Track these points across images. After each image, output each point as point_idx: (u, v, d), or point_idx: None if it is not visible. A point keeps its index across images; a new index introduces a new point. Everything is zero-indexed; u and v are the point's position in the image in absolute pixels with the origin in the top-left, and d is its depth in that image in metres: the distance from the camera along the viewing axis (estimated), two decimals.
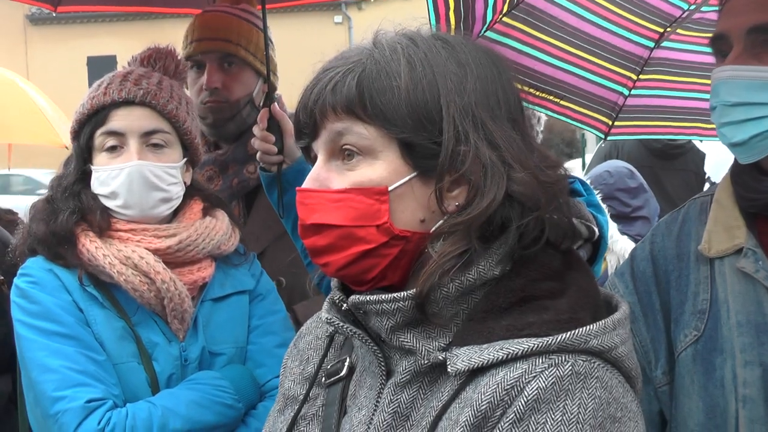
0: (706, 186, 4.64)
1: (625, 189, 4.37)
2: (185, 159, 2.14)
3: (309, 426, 1.34)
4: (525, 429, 1.10)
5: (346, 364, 1.34)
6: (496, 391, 1.13)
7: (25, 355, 1.97)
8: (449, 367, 1.17)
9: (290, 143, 2.35)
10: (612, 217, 3.29)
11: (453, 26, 1.83)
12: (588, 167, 5.59)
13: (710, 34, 2.19)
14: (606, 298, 1.29)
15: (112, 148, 2.04)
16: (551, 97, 2.47)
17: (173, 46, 2.26)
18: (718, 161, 4.24)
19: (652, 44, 2.59)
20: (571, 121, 2.70)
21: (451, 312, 1.21)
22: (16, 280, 2.05)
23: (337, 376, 1.34)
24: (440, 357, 1.19)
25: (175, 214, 2.15)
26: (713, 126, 2.69)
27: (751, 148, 1.57)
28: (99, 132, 2.05)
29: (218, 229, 2.15)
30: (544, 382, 1.11)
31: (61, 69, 21.21)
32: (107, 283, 2.03)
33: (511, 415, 1.11)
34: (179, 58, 2.23)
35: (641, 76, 2.65)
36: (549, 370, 1.12)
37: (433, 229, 1.22)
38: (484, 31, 2.16)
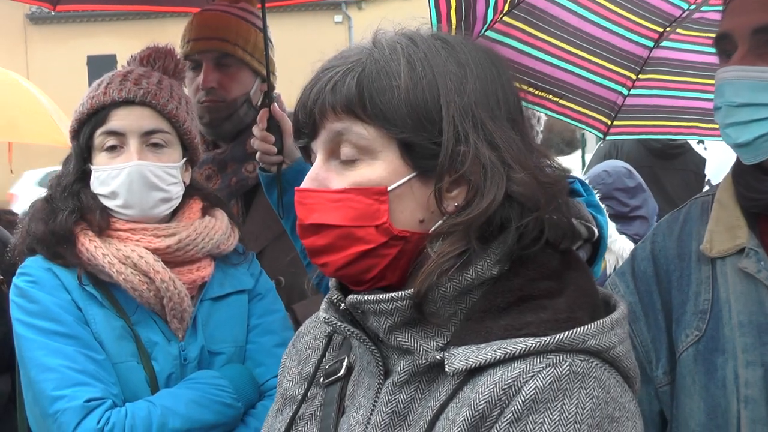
0: (706, 188, 4.64)
1: (624, 189, 4.38)
2: (185, 159, 2.14)
3: (307, 426, 1.34)
4: (522, 429, 1.10)
5: (345, 363, 1.34)
6: (493, 391, 1.13)
7: (24, 355, 1.97)
8: (447, 366, 1.17)
9: (290, 143, 2.34)
10: (610, 216, 3.30)
11: (454, 25, 1.83)
12: (587, 167, 5.58)
13: (710, 34, 2.18)
14: (604, 298, 1.29)
15: (112, 148, 2.04)
16: (551, 97, 2.47)
17: (172, 46, 2.26)
18: (719, 164, 4.24)
19: (651, 44, 2.59)
20: (571, 121, 2.70)
21: (449, 312, 1.21)
22: (15, 280, 2.05)
23: (335, 376, 1.34)
24: (438, 357, 1.19)
25: (175, 213, 2.15)
26: (712, 126, 2.71)
27: (756, 149, 1.57)
28: (99, 132, 2.05)
29: (217, 229, 2.15)
30: (541, 381, 1.11)
31: (61, 68, 21.20)
32: (106, 282, 2.03)
33: (509, 415, 1.11)
34: (178, 57, 2.23)
35: (641, 76, 2.65)
36: (547, 370, 1.12)
37: (433, 229, 1.22)
38: (485, 31, 2.16)
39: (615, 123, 2.74)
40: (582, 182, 2.32)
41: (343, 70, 1.23)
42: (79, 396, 1.89)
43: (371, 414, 1.24)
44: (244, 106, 2.70)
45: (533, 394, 1.11)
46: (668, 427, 1.71)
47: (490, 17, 2.09)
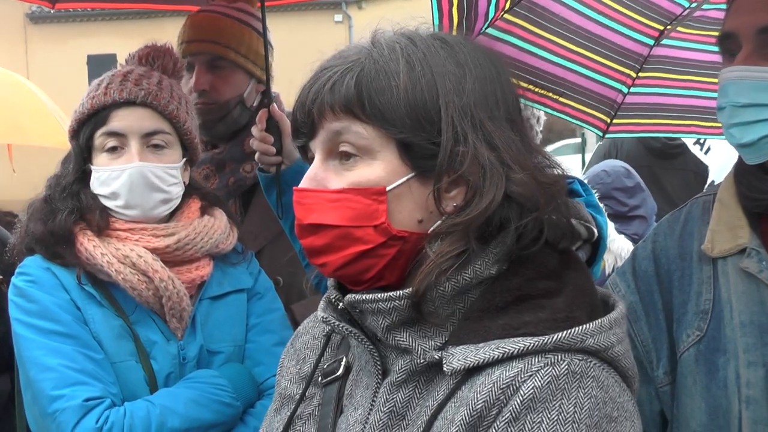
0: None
1: (622, 188, 4.38)
2: (185, 159, 2.14)
3: (305, 425, 1.34)
4: (521, 428, 1.10)
5: (343, 363, 1.34)
6: (491, 390, 1.12)
7: (23, 354, 1.97)
8: (445, 366, 1.17)
9: (289, 144, 2.34)
10: (609, 216, 3.30)
11: (456, 22, 1.83)
12: (587, 166, 5.58)
13: (711, 32, 2.18)
14: (603, 298, 1.28)
15: (113, 149, 2.04)
16: (551, 95, 2.46)
17: (171, 44, 2.25)
18: (722, 165, 4.23)
19: (652, 42, 2.59)
20: (570, 119, 2.70)
21: (447, 311, 1.21)
22: (13, 279, 2.05)
23: (333, 376, 1.34)
24: (436, 356, 1.19)
25: (173, 212, 2.15)
26: (711, 124, 2.71)
27: (759, 149, 1.57)
28: (99, 132, 2.05)
29: (216, 228, 2.15)
30: (540, 381, 1.11)
31: (62, 67, 21.19)
32: (105, 281, 2.03)
33: (507, 415, 1.11)
34: (177, 56, 2.22)
35: (640, 74, 2.65)
36: (545, 369, 1.12)
37: (431, 229, 1.22)
38: (486, 28, 2.16)
39: (614, 121, 2.74)
40: (581, 182, 2.32)
41: (342, 69, 1.23)
42: (78, 395, 1.89)
43: (369, 413, 1.24)
44: (237, 108, 2.70)
45: (531, 393, 1.10)
46: (669, 428, 1.71)
47: (491, 14, 2.08)
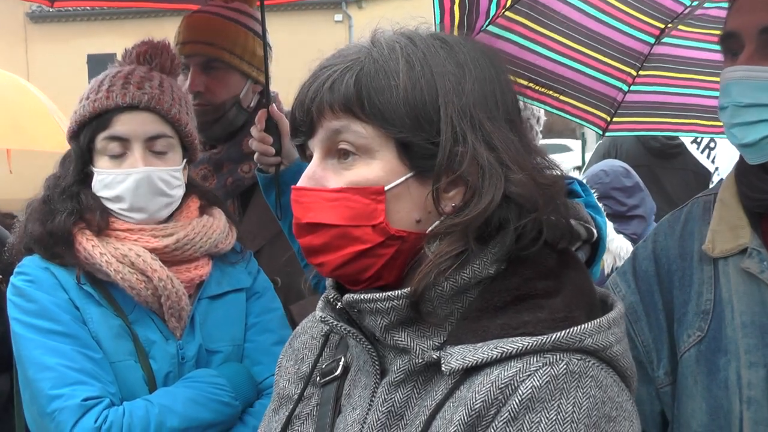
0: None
1: (621, 188, 4.38)
2: (185, 159, 2.14)
3: (303, 425, 1.34)
4: (519, 428, 1.10)
5: (341, 363, 1.34)
6: (490, 390, 1.12)
7: (22, 354, 1.97)
8: (443, 366, 1.17)
9: (288, 144, 2.34)
10: (608, 216, 3.30)
11: (457, 20, 1.83)
12: (587, 166, 5.58)
13: (712, 31, 2.17)
14: (601, 297, 1.28)
15: (116, 153, 2.03)
16: (551, 93, 2.46)
17: (168, 41, 2.24)
18: (732, 161, 4.22)
19: (652, 40, 2.59)
20: (570, 117, 2.69)
21: (445, 311, 1.20)
22: (12, 279, 2.05)
23: (331, 376, 1.34)
24: (434, 356, 1.19)
25: (173, 212, 2.14)
26: (712, 123, 2.70)
27: (761, 149, 1.56)
28: (102, 136, 2.04)
29: (215, 228, 2.15)
30: (538, 380, 1.11)
31: (62, 67, 21.21)
32: (104, 281, 2.03)
33: (506, 414, 1.11)
34: (174, 52, 2.22)
35: (641, 72, 2.64)
36: (543, 369, 1.11)
37: (429, 229, 1.22)
38: (487, 25, 2.15)
39: (614, 119, 2.74)
40: (581, 183, 2.32)
41: (342, 68, 1.22)
42: (77, 395, 1.89)
43: (367, 413, 1.24)
44: (233, 109, 2.70)
45: (530, 393, 1.10)
46: (669, 428, 1.70)
47: (492, 12, 2.08)
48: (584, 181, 2.68)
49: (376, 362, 1.26)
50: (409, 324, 1.21)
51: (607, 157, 5.13)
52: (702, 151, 4.90)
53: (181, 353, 2.06)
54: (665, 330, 1.69)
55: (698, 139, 4.85)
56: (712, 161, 4.86)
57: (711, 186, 3.24)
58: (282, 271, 2.45)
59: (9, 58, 19.94)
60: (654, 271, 1.73)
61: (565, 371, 1.11)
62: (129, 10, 21.02)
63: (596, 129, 2.77)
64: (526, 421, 1.09)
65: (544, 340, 1.13)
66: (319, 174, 1.25)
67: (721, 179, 1.75)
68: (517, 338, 1.14)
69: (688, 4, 2.51)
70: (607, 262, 3.86)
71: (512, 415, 1.10)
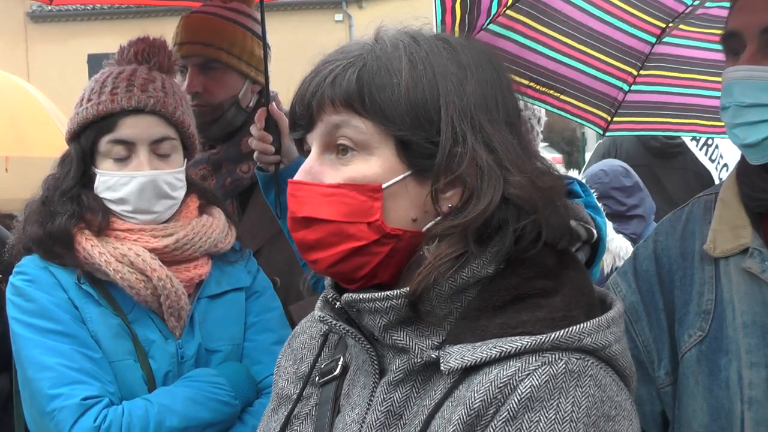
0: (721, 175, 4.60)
1: (621, 188, 4.38)
2: (186, 159, 2.14)
3: (302, 425, 1.34)
4: (518, 427, 1.10)
5: (340, 363, 1.34)
6: (489, 390, 1.12)
7: (21, 353, 1.97)
8: (442, 365, 1.17)
9: (287, 143, 2.34)
10: (607, 215, 3.30)
11: (459, 18, 1.83)
12: (586, 165, 5.58)
13: (713, 31, 2.16)
14: (600, 297, 1.28)
15: (121, 155, 2.03)
16: (552, 92, 2.45)
17: (164, 38, 2.24)
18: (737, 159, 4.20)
19: (653, 39, 2.58)
20: (570, 116, 2.69)
21: (444, 310, 1.20)
22: (11, 278, 2.05)
23: (330, 375, 1.34)
24: (433, 355, 1.19)
25: None
26: (712, 123, 2.70)
27: (764, 150, 1.56)
28: (106, 139, 2.04)
29: (215, 228, 2.15)
30: (537, 380, 1.11)
31: (62, 66, 21.20)
32: (103, 281, 2.03)
33: (504, 414, 1.10)
34: (170, 50, 2.21)
35: (642, 72, 2.64)
36: (542, 368, 1.11)
37: (425, 228, 1.22)
38: (488, 24, 2.15)
39: (615, 119, 2.73)
40: (580, 183, 2.32)
41: (344, 63, 1.22)
42: (76, 394, 1.89)
43: (366, 413, 1.24)
44: (232, 110, 2.70)
45: (529, 392, 1.10)
46: (670, 428, 1.70)
47: (494, 11, 2.08)
48: (584, 181, 2.68)
49: (375, 362, 1.25)
50: (408, 323, 1.21)
51: (607, 156, 5.13)
52: (701, 149, 4.90)
53: (181, 352, 2.05)
54: (666, 330, 1.69)
55: (697, 137, 4.85)
56: (710, 158, 4.86)
57: (716, 182, 3.23)
58: (282, 271, 2.45)
59: (9, 58, 19.94)
60: (655, 271, 1.73)
61: (564, 370, 1.11)
62: (129, 10, 21.03)
63: (597, 128, 2.77)
64: (525, 421, 1.09)
65: (543, 340, 1.13)
66: (316, 169, 1.25)
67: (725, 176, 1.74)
68: (516, 337, 1.14)
69: (689, 4, 2.51)
70: (606, 261, 3.86)
71: (511, 414, 1.10)
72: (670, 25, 2.56)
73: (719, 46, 1.67)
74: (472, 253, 1.18)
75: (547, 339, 1.13)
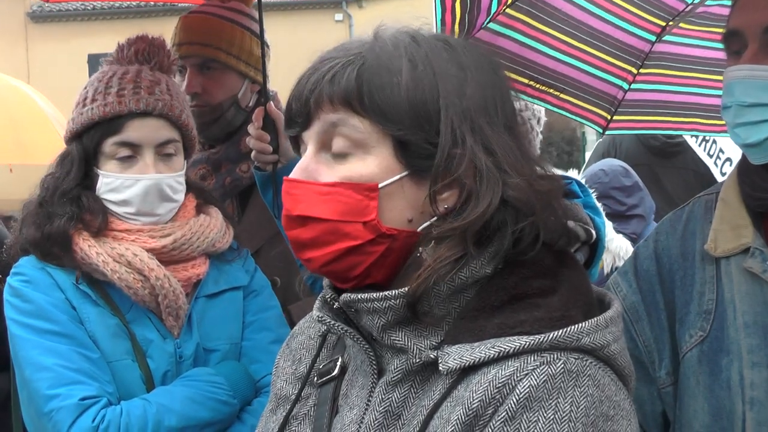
0: (726, 169, 4.58)
1: (620, 187, 4.38)
2: (186, 160, 2.14)
3: (300, 425, 1.33)
4: (517, 427, 1.09)
5: (338, 363, 1.33)
6: (487, 389, 1.12)
7: (19, 354, 1.97)
8: (441, 365, 1.16)
9: (285, 142, 2.33)
10: (607, 215, 3.29)
11: (458, 17, 1.82)
12: (586, 165, 5.58)
13: (714, 29, 2.16)
14: (599, 296, 1.28)
15: (126, 157, 2.02)
16: (551, 90, 2.45)
17: (163, 37, 2.23)
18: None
19: (653, 38, 2.57)
20: (570, 115, 2.68)
21: (442, 311, 1.20)
22: (9, 279, 2.04)
23: (329, 376, 1.33)
24: (432, 355, 1.18)
25: None
26: (712, 122, 2.69)
27: (765, 149, 1.56)
28: (112, 140, 2.03)
29: (213, 227, 2.15)
30: (535, 380, 1.10)
31: (62, 67, 21.22)
32: (101, 281, 2.02)
33: (503, 414, 1.10)
34: (169, 49, 2.21)
35: (641, 70, 2.63)
36: (541, 368, 1.11)
37: (420, 228, 1.21)
38: (488, 23, 2.14)
39: (615, 118, 2.72)
40: (579, 183, 2.31)
41: (344, 61, 1.22)
42: (74, 394, 1.89)
43: (365, 413, 1.23)
44: (231, 109, 2.69)
45: (527, 392, 1.10)
46: (671, 428, 1.70)
47: (493, 9, 2.07)
48: (583, 181, 2.68)
49: (374, 362, 1.25)
50: (407, 324, 1.20)
51: (607, 156, 5.12)
52: (699, 144, 4.89)
53: (179, 352, 2.05)
54: (667, 330, 1.69)
55: (696, 135, 4.83)
56: (709, 154, 4.85)
57: (716, 178, 3.21)
58: (281, 271, 2.44)
59: (9, 58, 19.96)
60: (655, 271, 1.72)
61: (562, 370, 1.11)
62: (129, 10, 21.05)
63: (596, 127, 2.76)
64: (523, 421, 1.09)
65: (541, 339, 1.12)
66: (312, 167, 1.24)
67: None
68: (514, 337, 1.14)
69: (689, 2, 2.50)
70: (606, 261, 3.86)
71: (510, 414, 1.10)
72: (671, 23, 2.56)
73: (720, 45, 1.66)
74: (471, 255, 1.18)
75: (545, 339, 1.12)
